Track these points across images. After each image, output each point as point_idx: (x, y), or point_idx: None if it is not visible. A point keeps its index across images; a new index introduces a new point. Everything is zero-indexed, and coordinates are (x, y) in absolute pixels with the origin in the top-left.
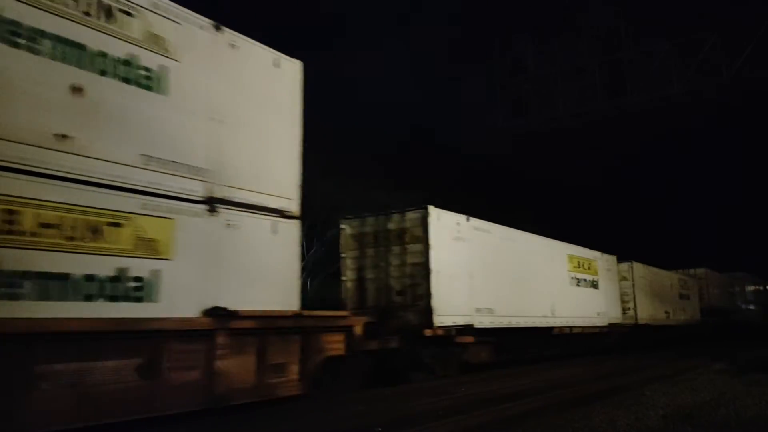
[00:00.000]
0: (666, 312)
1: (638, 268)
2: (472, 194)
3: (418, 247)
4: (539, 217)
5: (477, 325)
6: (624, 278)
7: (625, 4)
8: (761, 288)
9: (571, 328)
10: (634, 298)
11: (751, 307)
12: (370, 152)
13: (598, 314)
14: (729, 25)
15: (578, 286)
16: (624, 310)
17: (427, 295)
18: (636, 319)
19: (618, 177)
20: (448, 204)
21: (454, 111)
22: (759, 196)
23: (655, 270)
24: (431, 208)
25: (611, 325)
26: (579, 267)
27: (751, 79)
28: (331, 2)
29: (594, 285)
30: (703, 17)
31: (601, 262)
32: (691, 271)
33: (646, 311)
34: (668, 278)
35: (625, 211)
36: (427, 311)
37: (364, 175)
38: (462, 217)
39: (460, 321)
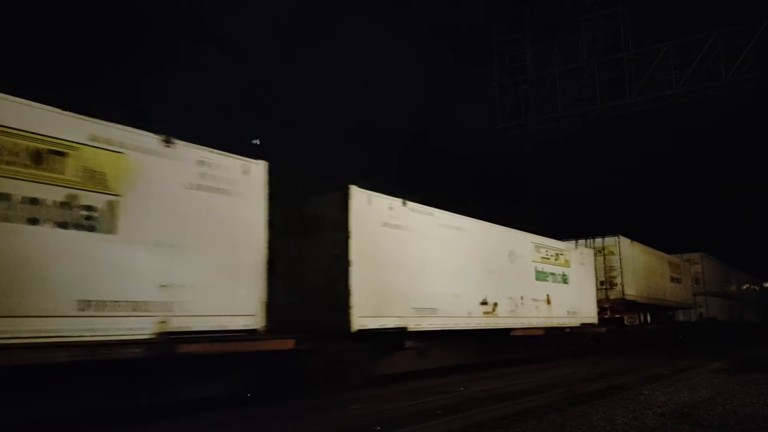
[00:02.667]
0: (487, 303)
1: (376, 203)
2: (475, 197)
3: None
4: (537, 215)
5: None
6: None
7: (625, 5)
8: (733, 277)
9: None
10: (351, 270)
11: (712, 304)
12: (368, 152)
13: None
14: (728, 25)
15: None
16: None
17: None
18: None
19: (616, 175)
20: (447, 206)
21: (453, 112)
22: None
23: (468, 222)
24: None
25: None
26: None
27: (751, 80)
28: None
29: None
30: (702, 17)
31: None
32: (597, 240)
33: (430, 301)
34: (508, 240)
35: (624, 210)
36: None
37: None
38: None
39: None
